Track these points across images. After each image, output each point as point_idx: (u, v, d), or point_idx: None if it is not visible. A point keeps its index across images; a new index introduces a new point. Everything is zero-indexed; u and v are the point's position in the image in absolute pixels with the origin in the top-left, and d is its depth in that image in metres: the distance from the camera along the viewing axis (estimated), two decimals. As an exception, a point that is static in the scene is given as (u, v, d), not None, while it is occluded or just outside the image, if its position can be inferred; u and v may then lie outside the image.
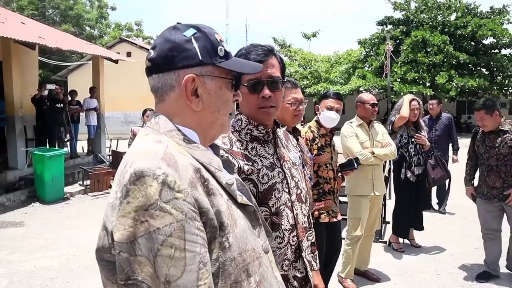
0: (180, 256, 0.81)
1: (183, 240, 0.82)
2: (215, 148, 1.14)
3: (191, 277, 0.82)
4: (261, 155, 1.47)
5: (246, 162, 1.42)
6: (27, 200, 7.91)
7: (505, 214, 4.06)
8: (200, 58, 0.98)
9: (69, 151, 11.02)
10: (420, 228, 5.15)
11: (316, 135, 3.27)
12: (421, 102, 4.91)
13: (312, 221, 1.64)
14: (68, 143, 11.28)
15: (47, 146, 9.61)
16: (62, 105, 10.42)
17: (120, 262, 0.83)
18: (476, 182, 4.28)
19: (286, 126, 2.17)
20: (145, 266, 0.81)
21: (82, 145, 12.35)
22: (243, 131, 1.49)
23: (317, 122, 3.35)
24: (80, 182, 9.23)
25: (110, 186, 9.13)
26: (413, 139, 4.78)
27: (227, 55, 1.03)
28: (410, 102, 4.75)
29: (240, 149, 1.45)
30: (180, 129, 1.00)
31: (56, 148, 9.64)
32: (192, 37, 0.99)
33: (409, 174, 4.77)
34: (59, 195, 8.14)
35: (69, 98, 11.37)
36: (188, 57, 0.98)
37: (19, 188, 8.23)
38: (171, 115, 1.01)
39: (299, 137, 2.42)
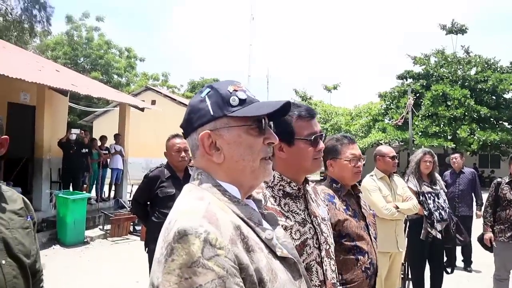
0: None
1: None
2: (258, 202, 1.18)
3: None
4: (293, 211, 1.52)
5: (280, 218, 1.45)
6: (48, 242, 7.97)
7: None
8: (212, 114, 1.05)
9: (95, 195, 11.17)
10: None
11: None
12: (435, 155, 4.72)
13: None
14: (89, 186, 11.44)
15: (71, 190, 9.80)
16: (87, 150, 10.71)
17: None
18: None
19: (314, 183, 2.21)
20: None
21: (103, 190, 12.50)
22: (275, 187, 1.55)
23: None
24: (101, 227, 9.31)
25: (130, 232, 9.16)
26: (429, 195, 4.65)
27: (243, 102, 1.06)
28: (423, 156, 4.61)
29: (274, 204, 1.50)
30: (222, 185, 1.05)
31: (80, 191, 9.81)
32: (206, 96, 1.07)
33: (434, 233, 4.43)
34: (80, 238, 8.20)
35: (99, 143, 11.68)
36: (202, 115, 1.06)
37: (41, 230, 8.27)
38: (208, 171, 1.07)
39: (360, 194, 2.33)
